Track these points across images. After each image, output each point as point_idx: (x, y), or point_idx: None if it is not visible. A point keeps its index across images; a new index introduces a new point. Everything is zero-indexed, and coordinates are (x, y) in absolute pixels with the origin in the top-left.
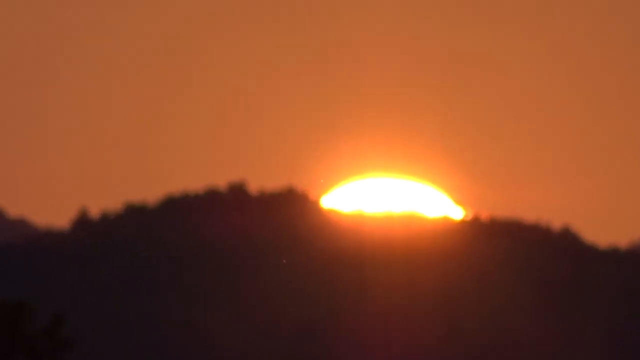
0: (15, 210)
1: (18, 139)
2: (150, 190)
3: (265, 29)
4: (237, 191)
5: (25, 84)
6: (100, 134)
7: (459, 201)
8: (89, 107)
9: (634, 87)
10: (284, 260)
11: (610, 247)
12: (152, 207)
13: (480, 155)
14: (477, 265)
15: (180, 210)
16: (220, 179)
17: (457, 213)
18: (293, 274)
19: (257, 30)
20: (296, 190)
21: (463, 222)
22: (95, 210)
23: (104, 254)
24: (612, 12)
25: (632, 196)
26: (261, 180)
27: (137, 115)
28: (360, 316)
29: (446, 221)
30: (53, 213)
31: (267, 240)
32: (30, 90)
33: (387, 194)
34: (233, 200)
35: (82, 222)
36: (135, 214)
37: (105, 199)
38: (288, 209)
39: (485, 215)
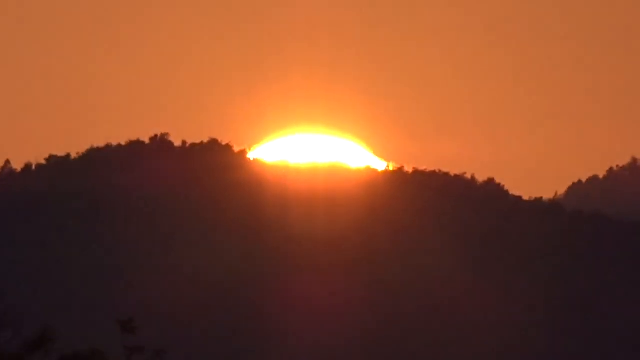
0: None
1: None
2: (74, 144)
3: None
4: (160, 142)
5: None
6: (26, 89)
7: (383, 155)
8: (14, 62)
9: (561, 43)
10: None
11: (533, 199)
12: (75, 158)
13: (406, 109)
14: (401, 215)
15: (102, 161)
16: (145, 133)
17: (380, 165)
18: (216, 225)
19: None
20: (219, 141)
21: (386, 173)
22: (19, 163)
23: (26, 205)
24: None
25: (556, 150)
26: (186, 133)
27: (61, 69)
28: (283, 267)
29: (369, 172)
30: None
31: (190, 191)
32: None
33: (311, 147)
34: (156, 150)
35: (5, 174)
36: (57, 165)
37: (29, 152)
38: (211, 159)
39: (409, 167)
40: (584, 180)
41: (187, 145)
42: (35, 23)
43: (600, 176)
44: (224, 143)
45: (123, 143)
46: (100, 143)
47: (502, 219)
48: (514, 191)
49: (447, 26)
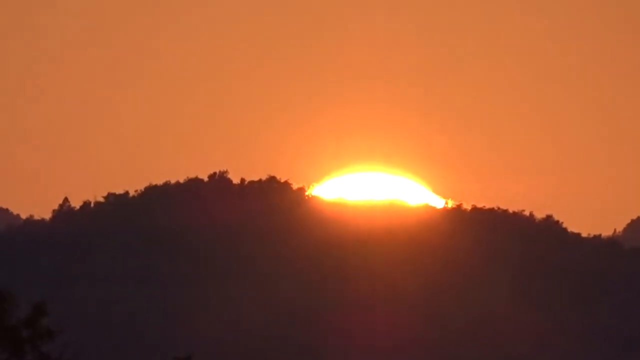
0: None
1: (1, 131)
2: (133, 182)
3: (253, 22)
4: (219, 180)
5: (7, 78)
6: (84, 127)
7: (442, 192)
8: (73, 101)
9: (620, 85)
10: None
11: (592, 236)
12: (134, 196)
13: (464, 146)
14: (460, 253)
15: (161, 199)
16: (204, 171)
17: (439, 202)
18: (276, 262)
19: (245, 23)
20: (278, 179)
21: (444, 210)
22: (77, 201)
23: (85, 243)
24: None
25: (614, 188)
26: (244, 170)
27: (120, 108)
28: (343, 305)
29: (427, 209)
30: (37, 204)
31: (249, 229)
32: (12, 85)
33: (369, 185)
34: (214, 188)
35: (64, 212)
36: (116, 203)
37: (88, 190)
38: (269, 197)
39: (467, 204)
40: None
41: (246, 182)
42: (97, 61)
43: None
44: (282, 180)
45: (181, 181)
46: (159, 181)
47: (561, 255)
48: (572, 228)
49: (508, 69)
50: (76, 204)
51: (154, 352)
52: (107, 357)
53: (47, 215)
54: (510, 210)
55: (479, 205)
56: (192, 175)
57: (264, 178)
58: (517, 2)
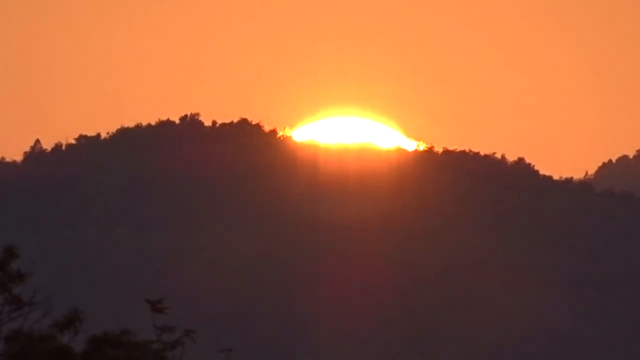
0: None
1: None
2: (104, 124)
3: None
4: (190, 122)
5: None
6: (56, 69)
7: (414, 135)
8: (44, 42)
9: (592, 28)
10: None
11: (564, 179)
12: (105, 138)
13: (436, 91)
14: (431, 196)
15: (133, 141)
16: (175, 113)
17: (410, 145)
18: (247, 205)
19: None
20: (249, 121)
21: (416, 153)
22: (49, 143)
23: (56, 185)
24: None
25: (586, 131)
26: (215, 113)
27: (91, 50)
28: (314, 250)
29: (399, 152)
30: (7, 146)
31: (220, 171)
32: None
33: (342, 129)
34: (186, 131)
35: (35, 154)
36: (87, 145)
37: (59, 132)
38: (241, 139)
39: (439, 147)
40: (614, 160)
41: (217, 125)
42: (66, 4)
43: (631, 156)
44: (254, 123)
45: (153, 123)
46: (130, 123)
47: (532, 198)
48: (544, 171)
49: (463, 18)
50: (48, 145)
51: (127, 294)
52: (79, 301)
53: (19, 158)
54: (482, 153)
55: (451, 148)
56: (163, 118)
57: (235, 120)
58: None
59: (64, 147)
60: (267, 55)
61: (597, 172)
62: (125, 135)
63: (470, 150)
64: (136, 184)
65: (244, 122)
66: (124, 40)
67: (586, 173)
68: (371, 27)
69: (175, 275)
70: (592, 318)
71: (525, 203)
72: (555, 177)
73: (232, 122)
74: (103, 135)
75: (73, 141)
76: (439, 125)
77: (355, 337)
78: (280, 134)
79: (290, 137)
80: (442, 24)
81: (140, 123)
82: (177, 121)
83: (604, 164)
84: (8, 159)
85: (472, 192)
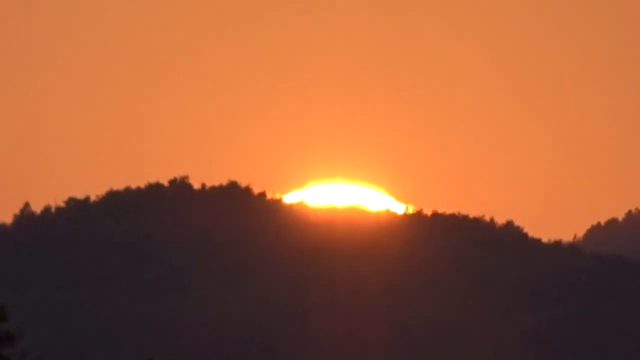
0: None
1: None
2: (94, 187)
3: (212, 29)
4: (179, 185)
5: None
6: (45, 131)
7: (403, 198)
8: (34, 105)
9: (579, 92)
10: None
11: (552, 241)
12: (95, 201)
13: (425, 154)
14: (420, 258)
15: (122, 205)
16: (164, 176)
17: (399, 208)
18: (236, 267)
19: (204, 30)
20: (238, 184)
21: (405, 216)
22: (38, 206)
23: (46, 248)
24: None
25: (574, 194)
26: (204, 176)
27: (80, 113)
28: (304, 310)
29: (388, 215)
30: None
31: (209, 234)
32: None
33: (332, 193)
34: (175, 194)
35: (25, 216)
36: (77, 208)
37: (48, 195)
38: (230, 203)
39: (428, 209)
40: (602, 223)
41: (207, 188)
42: (58, 62)
43: (620, 219)
44: (243, 186)
45: (142, 186)
46: (120, 186)
47: (521, 260)
48: (533, 234)
49: (465, 68)
50: (37, 208)
51: (117, 356)
52: None
53: (9, 220)
54: (471, 216)
55: (440, 211)
56: (153, 181)
57: (224, 183)
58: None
59: (53, 210)
60: (256, 119)
61: (585, 235)
62: (114, 199)
63: (459, 213)
64: (125, 246)
65: (233, 185)
66: (113, 103)
67: (575, 236)
68: (358, 90)
69: (161, 339)
70: None
71: (514, 266)
72: (544, 239)
73: (221, 185)
74: (92, 198)
75: (62, 204)
76: (428, 188)
77: None
78: (269, 196)
79: (280, 199)
80: (428, 88)
81: (130, 186)
82: (167, 184)
83: (592, 226)
84: None
85: (460, 254)
